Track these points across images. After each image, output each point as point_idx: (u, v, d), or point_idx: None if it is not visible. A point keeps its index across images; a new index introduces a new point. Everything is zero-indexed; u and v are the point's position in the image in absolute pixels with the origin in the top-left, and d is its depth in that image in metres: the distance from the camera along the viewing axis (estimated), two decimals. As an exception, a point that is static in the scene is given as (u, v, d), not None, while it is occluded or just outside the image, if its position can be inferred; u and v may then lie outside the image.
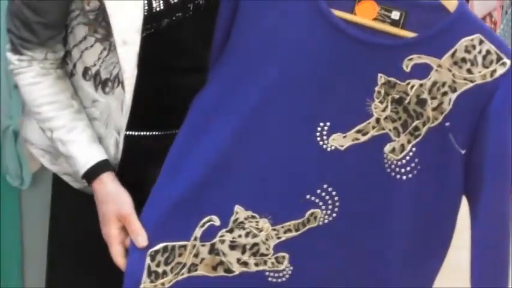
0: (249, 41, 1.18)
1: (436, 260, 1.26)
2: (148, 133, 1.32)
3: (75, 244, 1.38)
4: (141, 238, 1.16)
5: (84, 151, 1.22)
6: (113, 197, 1.20)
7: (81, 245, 1.35)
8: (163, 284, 1.19)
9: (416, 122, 1.16)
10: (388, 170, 1.19)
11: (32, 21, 1.18)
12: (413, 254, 1.23)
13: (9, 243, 1.75)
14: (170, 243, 1.18)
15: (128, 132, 1.25)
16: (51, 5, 1.19)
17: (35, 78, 1.24)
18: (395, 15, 1.13)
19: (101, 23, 1.20)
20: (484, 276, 1.21)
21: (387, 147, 1.18)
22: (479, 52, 1.14)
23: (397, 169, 1.19)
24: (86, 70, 1.26)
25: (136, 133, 1.30)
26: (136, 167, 1.29)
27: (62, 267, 1.43)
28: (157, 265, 1.17)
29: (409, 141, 1.17)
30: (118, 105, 1.24)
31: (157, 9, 1.19)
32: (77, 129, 1.23)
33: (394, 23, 1.14)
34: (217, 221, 1.18)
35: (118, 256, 1.18)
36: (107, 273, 1.31)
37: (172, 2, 1.21)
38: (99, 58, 1.24)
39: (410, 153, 1.18)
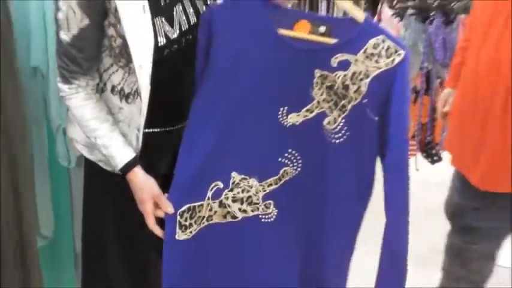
0: (222, 59, 1.29)
1: (365, 191, 1.35)
2: (158, 130, 1.39)
3: (105, 207, 1.45)
4: (169, 208, 1.30)
5: (120, 152, 1.31)
6: (146, 184, 1.31)
7: (108, 207, 1.44)
8: (191, 232, 1.33)
9: (343, 101, 1.28)
10: (328, 135, 1.30)
11: (77, 57, 1.27)
12: (353, 186, 1.34)
13: (62, 207, 1.81)
14: (192, 204, 1.32)
15: (144, 130, 1.35)
16: (90, 45, 1.28)
17: (82, 102, 1.31)
18: (322, 29, 1.26)
19: (123, 54, 1.28)
20: (395, 196, 1.31)
21: (325, 121, 1.30)
22: (383, 48, 1.25)
23: (333, 135, 1.30)
24: (113, 87, 1.34)
25: (150, 130, 1.37)
26: (150, 155, 1.38)
27: (95, 225, 1.49)
28: (185, 220, 1.31)
29: (339, 115, 1.29)
30: (137, 111, 1.33)
31: (161, 44, 1.28)
32: (114, 137, 1.32)
33: (322, 34, 1.26)
34: (221, 185, 1.32)
35: (152, 223, 1.31)
36: (126, 230, 1.43)
37: (171, 38, 1.30)
38: (123, 78, 1.33)
39: (341, 124, 1.29)
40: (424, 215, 1.93)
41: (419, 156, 2.30)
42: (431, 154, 2.32)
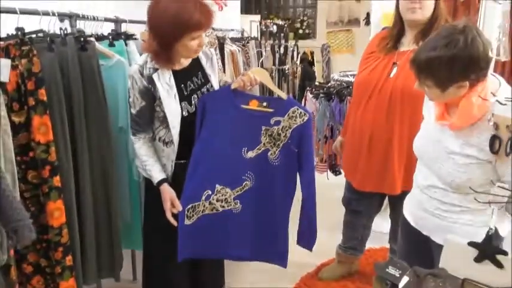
0: (210, 122, 1.26)
1: (291, 193, 1.32)
2: (181, 161, 1.30)
3: (153, 202, 1.33)
4: (180, 207, 1.24)
5: (157, 175, 1.26)
6: (168, 192, 1.25)
7: (158, 205, 1.30)
8: (193, 219, 1.26)
9: (278, 142, 1.28)
10: (270, 161, 1.29)
11: (139, 122, 1.26)
12: (284, 190, 1.31)
13: (135, 202, 1.69)
14: (193, 204, 1.26)
15: (176, 161, 1.29)
16: (146, 116, 1.25)
17: (141, 145, 1.28)
18: (265, 103, 1.27)
19: (165, 121, 1.24)
20: (308, 195, 1.31)
21: (269, 153, 1.29)
22: (298, 113, 1.26)
23: (274, 161, 1.29)
24: (159, 138, 1.28)
25: (178, 161, 1.29)
26: (178, 175, 1.30)
27: (149, 211, 1.40)
28: (189, 213, 1.25)
29: (277, 149, 1.28)
30: (172, 151, 1.27)
31: (185, 115, 1.25)
32: (155, 166, 1.27)
33: (265, 107, 1.27)
34: (210, 192, 1.27)
35: (169, 215, 1.25)
36: (162, 213, 1.28)
37: (190, 112, 1.26)
38: (165, 133, 1.27)
39: (277, 154, 1.28)
40: (332, 203, 1.93)
41: (329, 172, 2.37)
42: (335, 170, 2.32)
